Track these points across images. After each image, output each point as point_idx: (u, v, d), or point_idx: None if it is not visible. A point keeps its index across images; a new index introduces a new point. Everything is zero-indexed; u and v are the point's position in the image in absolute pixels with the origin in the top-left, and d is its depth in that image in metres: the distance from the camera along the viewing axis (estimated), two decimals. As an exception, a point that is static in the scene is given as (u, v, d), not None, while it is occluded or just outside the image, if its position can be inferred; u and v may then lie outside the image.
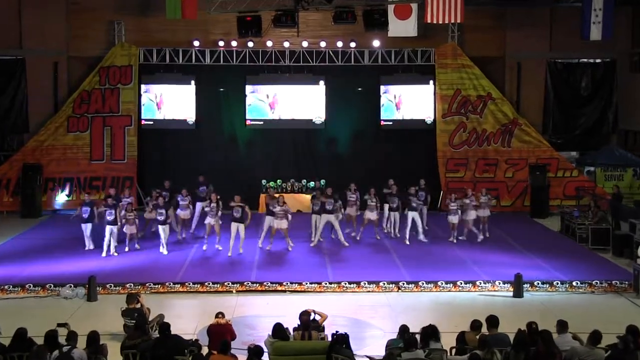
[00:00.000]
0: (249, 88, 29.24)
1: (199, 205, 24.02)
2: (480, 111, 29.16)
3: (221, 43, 28.61)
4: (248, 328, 15.75)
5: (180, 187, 23.68)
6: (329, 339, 12.55)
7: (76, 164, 28.47)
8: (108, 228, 21.51)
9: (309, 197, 24.87)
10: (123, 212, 21.84)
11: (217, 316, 13.60)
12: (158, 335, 12.63)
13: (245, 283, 18.88)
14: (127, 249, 22.00)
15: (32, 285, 18.47)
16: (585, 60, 30.45)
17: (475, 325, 12.65)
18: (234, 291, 18.70)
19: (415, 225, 23.44)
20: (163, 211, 22.09)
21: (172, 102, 29.25)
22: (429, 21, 26.74)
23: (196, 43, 28.68)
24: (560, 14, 29.52)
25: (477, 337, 12.24)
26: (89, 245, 22.15)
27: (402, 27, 26.98)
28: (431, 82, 29.31)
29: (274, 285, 18.84)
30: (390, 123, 29.62)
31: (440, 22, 26.78)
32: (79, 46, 29.08)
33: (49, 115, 28.75)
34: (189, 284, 18.82)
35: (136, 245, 22.15)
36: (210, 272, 19.91)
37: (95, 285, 18.06)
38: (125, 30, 28.76)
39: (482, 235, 23.58)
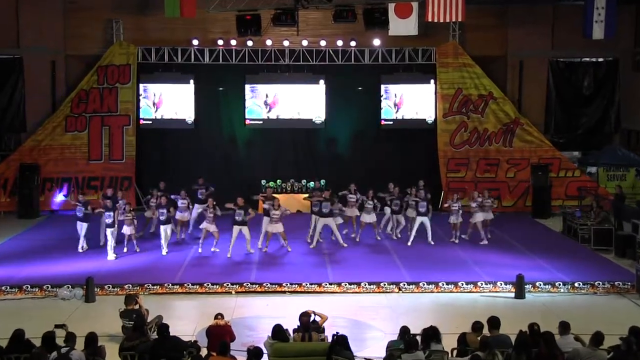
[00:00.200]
0: (248, 89, 29.14)
1: (196, 207, 23.91)
2: (482, 110, 29.07)
3: (220, 42, 28.49)
4: (247, 329, 15.71)
5: (179, 188, 23.57)
6: (329, 340, 12.49)
7: (74, 164, 28.40)
8: (109, 231, 21.41)
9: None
10: (122, 213, 21.71)
11: (216, 317, 13.53)
12: (157, 337, 12.61)
13: (244, 284, 18.82)
14: (125, 249, 21.88)
15: (29, 286, 18.39)
16: (588, 59, 30.36)
17: (477, 326, 12.59)
18: (233, 292, 18.63)
19: (424, 229, 23.24)
20: (164, 211, 22.01)
21: (170, 101, 29.16)
22: (429, 20, 26.63)
23: (195, 42, 28.56)
24: (562, 12, 29.43)
25: (479, 338, 12.14)
26: (83, 244, 21.98)
27: (402, 26, 26.91)
28: (432, 81, 29.25)
29: (274, 286, 18.79)
30: (391, 123, 29.55)
31: (441, 20, 26.68)
32: (77, 45, 28.96)
33: (47, 114, 28.66)
34: (188, 284, 18.75)
35: (135, 248, 22.02)
36: (210, 273, 19.83)
37: (93, 286, 18.00)
38: (124, 29, 28.64)
39: (486, 240, 23.41)
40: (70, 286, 18.19)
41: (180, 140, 29.23)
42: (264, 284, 18.80)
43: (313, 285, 18.78)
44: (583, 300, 18.24)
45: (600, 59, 30.33)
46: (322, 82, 29.13)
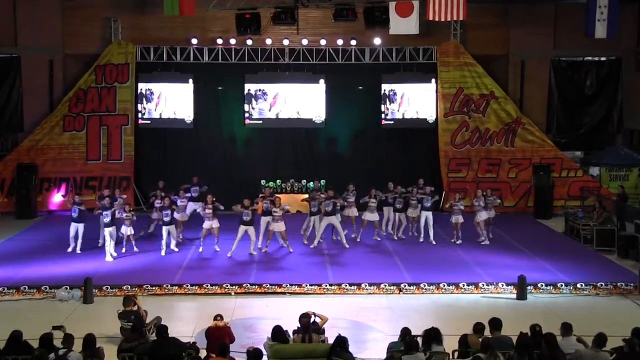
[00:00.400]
0: (247, 87, 29.08)
1: (191, 205, 23.84)
2: (483, 110, 29.00)
3: (219, 41, 28.35)
4: (247, 331, 15.66)
5: (178, 188, 23.54)
6: (329, 341, 12.41)
7: (72, 163, 28.29)
8: (107, 231, 21.26)
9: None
10: (120, 213, 21.63)
11: (215, 318, 13.43)
12: (155, 338, 12.57)
13: (244, 285, 18.73)
14: (124, 250, 21.78)
15: (27, 288, 18.29)
16: (590, 58, 30.25)
17: (478, 327, 12.46)
18: (233, 293, 18.54)
19: (427, 226, 23.34)
20: (169, 212, 21.96)
21: (169, 101, 29.05)
22: (430, 19, 26.44)
23: (194, 41, 28.44)
24: (564, 10, 29.32)
25: (480, 340, 12.01)
26: (72, 245, 21.78)
27: (403, 25, 26.80)
28: (433, 80, 29.16)
29: (273, 287, 18.70)
30: (392, 122, 29.46)
31: (443, 19, 26.47)
32: (75, 44, 28.86)
33: (45, 114, 28.53)
34: (187, 285, 18.66)
35: (134, 249, 21.93)
36: (209, 273, 19.75)
37: (91, 287, 17.88)
38: (122, 28, 28.53)
39: (486, 239, 23.38)
40: (68, 287, 18.09)
41: (179, 140, 29.17)
42: (264, 285, 18.71)
43: (313, 287, 18.70)
44: (585, 302, 18.15)
45: (603, 58, 30.24)
46: (322, 81, 29.05)
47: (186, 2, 25.63)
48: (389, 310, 17.46)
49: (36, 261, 20.85)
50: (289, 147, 29.77)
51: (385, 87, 29.24)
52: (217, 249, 21.93)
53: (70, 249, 21.71)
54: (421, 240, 23.28)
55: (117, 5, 28.51)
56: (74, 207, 21.82)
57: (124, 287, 18.31)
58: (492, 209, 23.58)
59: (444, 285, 18.73)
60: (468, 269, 20.21)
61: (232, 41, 28.14)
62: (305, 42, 28.44)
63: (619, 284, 18.81)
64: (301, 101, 29.16)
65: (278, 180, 28.44)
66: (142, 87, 28.92)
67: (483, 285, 18.75)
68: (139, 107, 28.91)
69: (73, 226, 21.78)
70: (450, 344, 12.39)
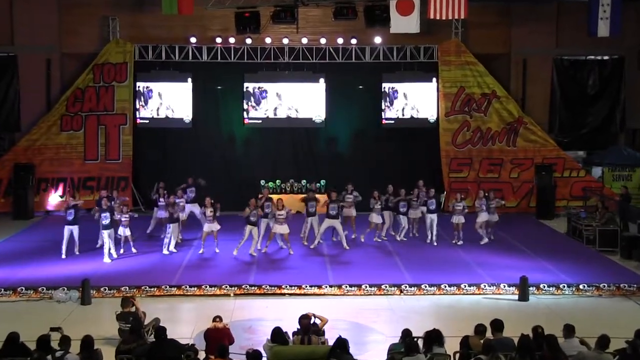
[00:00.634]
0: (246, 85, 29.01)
1: (188, 207, 23.75)
2: (485, 109, 28.94)
3: (218, 40, 28.28)
4: (246, 332, 15.59)
5: (175, 189, 23.37)
6: (329, 343, 12.36)
7: (70, 163, 28.21)
8: (105, 233, 21.11)
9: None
10: (118, 213, 21.44)
11: (214, 320, 13.40)
12: (154, 340, 12.57)
13: (243, 286, 18.66)
14: (122, 250, 21.65)
15: (24, 289, 18.19)
16: (593, 57, 30.21)
17: (480, 329, 12.46)
18: (232, 294, 18.44)
19: (431, 227, 23.38)
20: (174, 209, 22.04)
21: (168, 100, 28.94)
22: (431, 17, 26.28)
23: (193, 40, 28.36)
24: (566, 9, 29.23)
25: (482, 341, 11.96)
26: (64, 251, 21.37)
27: (404, 23, 26.54)
28: (434, 79, 29.10)
29: (273, 288, 18.63)
30: (392, 122, 29.38)
31: (444, 18, 26.30)
32: (73, 43, 28.76)
33: (42, 113, 28.44)
34: (186, 287, 18.56)
35: (132, 250, 21.80)
36: (208, 274, 19.68)
37: (89, 289, 17.80)
38: (120, 27, 28.45)
39: (486, 238, 23.33)
40: (65, 288, 18.00)
41: (178, 140, 29.09)
42: (263, 286, 18.62)
43: (313, 288, 18.63)
44: (588, 303, 18.07)
45: (606, 57, 30.18)
46: (322, 80, 28.97)
47: (185, 1, 25.53)
48: (389, 311, 17.39)
49: (33, 262, 20.74)
50: (289, 146, 29.70)
51: (386, 87, 29.17)
52: (217, 251, 21.85)
53: (63, 255, 21.27)
54: (428, 241, 23.28)
55: (115, 4, 28.42)
56: (69, 210, 21.59)
57: (122, 289, 18.21)
58: (495, 213, 23.53)
59: (445, 286, 18.64)
60: (469, 270, 20.14)
61: (231, 40, 28.07)
62: (305, 41, 28.32)
63: (621, 285, 18.71)
64: (301, 100, 29.06)
65: (278, 180, 28.38)
66: (141, 86, 28.83)
67: (485, 286, 18.65)
68: (137, 106, 28.82)
69: (67, 229, 21.40)
70: (451, 346, 12.33)
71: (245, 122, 29.10)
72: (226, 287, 18.52)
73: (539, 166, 28.15)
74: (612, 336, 11.83)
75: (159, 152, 29.25)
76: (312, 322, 12.92)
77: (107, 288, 18.27)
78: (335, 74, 28.89)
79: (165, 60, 28.64)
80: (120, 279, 18.98)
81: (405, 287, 18.63)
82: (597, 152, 30.02)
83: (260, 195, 23.00)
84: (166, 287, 18.45)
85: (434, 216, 23.30)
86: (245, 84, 28.89)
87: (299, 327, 12.80)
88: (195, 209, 23.66)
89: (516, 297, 18.20)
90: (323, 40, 28.32)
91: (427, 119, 29.23)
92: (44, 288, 18.14)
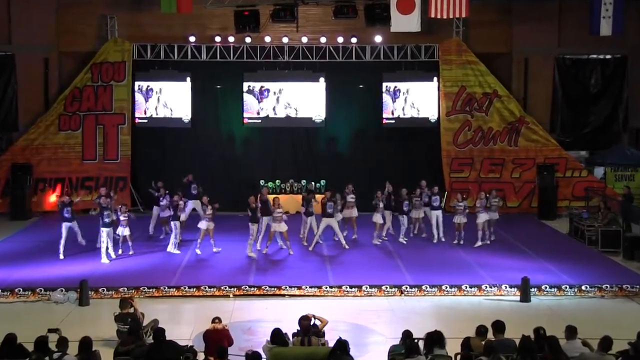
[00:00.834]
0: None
1: (190, 204, 23.79)
2: (486, 109, 28.83)
3: (218, 39, 28.22)
4: (245, 333, 15.58)
5: (176, 188, 23.37)
6: (329, 344, 12.38)
7: (68, 163, 28.10)
8: (104, 231, 20.98)
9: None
10: (118, 214, 21.40)
11: (213, 321, 13.35)
12: (152, 341, 12.56)
13: (242, 287, 18.61)
14: (120, 251, 21.59)
15: (21, 290, 18.14)
16: (595, 56, 30.15)
17: (481, 330, 12.45)
18: (231, 295, 18.40)
19: (437, 225, 23.41)
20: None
21: (167, 99, 28.84)
22: (432, 16, 26.27)
23: (192, 39, 28.28)
24: (568, 7, 29.14)
25: (483, 343, 11.91)
26: (62, 252, 21.25)
27: (404, 22, 26.47)
28: (435, 79, 29.01)
29: (273, 289, 18.59)
30: (393, 121, 29.27)
31: (445, 16, 26.28)
32: (70, 42, 28.66)
33: (40, 113, 28.35)
34: (185, 288, 18.53)
35: (130, 251, 21.69)
36: (207, 275, 19.65)
37: (87, 290, 17.77)
38: (118, 25, 28.37)
39: (486, 240, 23.24)
40: (63, 289, 17.95)
41: (177, 140, 29.00)
42: (263, 287, 18.58)
43: (313, 289, 18.59)
44: (590, 304, 18.04)
45: (608, 56, 30.12)
46: (322, 79, 28.86)
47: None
48: (390, 312, 17.33)
49: (31, 263, 20.68)
50: (289, 146, 29.61)
51: (387, 86, 29.05)
52: (215, 250, 21.85)
53: (61, 256, 21.18)
54: (435, 240, 23.25)
55: (114, 3, 28.35)
56: (65, 208, 21.50)
57: (121, 290, 18.16)
58: (496, 211, 23.50)
59: (446, 287, 18.58)
60: (471, 271, 20.10)
61: (231, 39, 28.00)
62: (305, 39, 28.24)
63: (624, 286, 18.64)
64: (301, 100, 28.95)
65: (277, 181, 28.32)
66: (139, 85, 28.71)
67: (486, 287, 18.59)
68: (136, 105, 28.70)
69: (65, 226, 21.36)
70: (452, 347, 12.28)
71: (244, 121, 29.00)
72: (225, 287, 18.46)
73: (540, 166, 28.07)
74: (615, 338, 11.77)
75: (157, 152, 29.15)
76: (312, 323, 12.90)
77: (105, 289, 18.22)
78: (335, 73, 28.78)
79: (164, 60, 28.52)
80: (119, 280, 18.94)
81: (406, 288, 18.56)
82: (600, 152, 29.92)
83: (259, 195, 22.92)
84: (165, 288, 18.42)
85: (439, 212, 23.39)
86: (245, 84, 28.78)
87: (298, 328, 12.77)
88: (198, 206, 23.55)
89: (518, 298, 18.12)
90: (323, 39, 28.22)
91: (428, 118, 29.13)
92: (42, 289, 18.07)
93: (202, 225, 21.77)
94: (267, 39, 27.95)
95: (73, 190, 27.11)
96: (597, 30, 26.32)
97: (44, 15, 28.21)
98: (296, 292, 18.47)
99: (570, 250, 22.64)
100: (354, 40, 28.20)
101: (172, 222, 22.11)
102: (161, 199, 23.11)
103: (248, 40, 27.79)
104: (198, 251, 21.78)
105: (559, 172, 28.11)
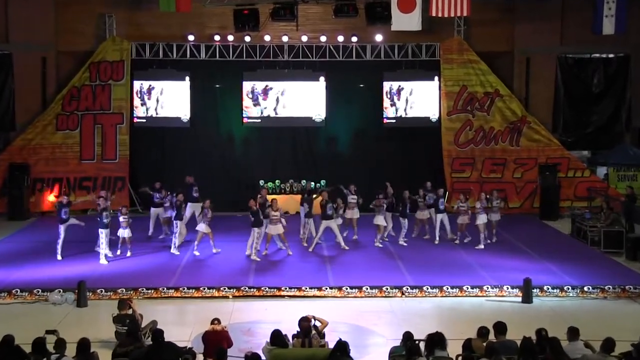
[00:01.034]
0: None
1: (190, 205, 23.66)
2: (488, 108, 28.75)
3: (217, 37, 28.12)
4: (245, 335, 15.56)
5: (175, 188, 23.21)
6: (330, 346, 12.40)
7: (65, 163, 28.02)
8: (103, 232, 20.90)
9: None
10: (118, 215, 21.31)
11: (212, 322, 13.37)
12: (151, 343, 12.61)
13: (242, 288, 18.59)
14: (118, 252, 21.50)
15: (19, 291, 18.08)
16: (598, 55, 30.12)
17: (482, 332, 12.46)
18: (231, 296, 18.38)
19: (443, 227, 23.44)
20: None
21: (166, 99, 28.76)
22: (433, 15, 26.28)
23: (191, 37, 28.15)
24: (571, 6, 29.01)
25: (484, 344, 11.90)
26: (60, 252, 21.15)
27: (405, 21, 26.45)
28: (436, 78, 28.94)
29: (272, 290, 18.55)
30: (394, 121, 29.21)
31: (446, 15, 26.30)
32: (68, 41, 28.52)
33: (37, 112, 28.23)
34: (184, 289, 18.50)
35: (128, 252, 21.54)
36: (206, 276, 19.64)
37: (85, 291, 17.74)
38: (117, 24, 28.21)
39: (487, 241, 23.14)
40: (61, 290, 17.93)
41: (176, 139, 28.90)
42: (263, 288, 18.53)
43: (313, 290, 18.56)
44: (593, 305, 18.01)
45: (611, 55, 30.08)
46: (322, 79, 28.78)
47: (183, -2, 25.41)
48: (390, 313, 17.29)
49: (29, 263, 20.62)
50: (289, 146, 29.53)
51: (387, 85, 28.97)
52: (214, 251, 21.81)
53: (59, 257, 21.09)
54: (436, 242, 23.25)
55: (112, 1, 28.21)
56: (63, 209, 21.31)
57: (119, 290, 18.10)
58: (498, 212, 23.47)
59: (448, 288, 18.55)
60: (472, 272, 20.07)
61: (230, 38, 27.90)
62: (305, 38, 28.14)
63: (627, 287, 18.60)
64: (301, 99, 28.88)
65: (277, 181, 28.28)
66: (138, 84, 28.62)
67: (487, 288, 18.55)
68: (134, 105, 28.60)
69: (63, 227, 21.17)
70: (454, 349, 12.26)
71: (244, 121, 28.93)
72: (225, 288, 18.43)
73: (542, 166, 28.01)
74: (617, 339, 11.76)
75: (156, 152, 29.07)
76: (312, 324, 12.88)
77: (103, 290, 18.19)
78: (335, 73, 28.71)
79: (163, 59, 28.41)
80: (117, 281, 18.91)
81: (407, 289, 18.53)
82: (602, 152, 29.93)
83: (259, 196, 22.81)
84: (164, 289, 18.41)
85: (444, 215, 23.32)
86: (244, 83, 28.70)
87: (298, 329, 12.77)
88: (198, 209, 23.35)
89: (519, 299, 18.07)
90: (323, 38, 28.12)
91: (428, 118, 29.06)
92: (39, 290, 18.01)
93: (201, 227, 21.68)
94: (267, 38, 27.86)
95: (71, 191, 27.07)
96: (600, 29, 26.33)
97: (42, 13, 28.08)
98: (296, 293, 18.42)
99: (572, 251, 22.57)
100: (354, 39, 28.12)
101: (174, 222, 22.04)
102: (159, 198, 23.07)
103: (247, 39, 27.71)
104: (196, 252, 21.69)
105: (561, 172, 28.07)
